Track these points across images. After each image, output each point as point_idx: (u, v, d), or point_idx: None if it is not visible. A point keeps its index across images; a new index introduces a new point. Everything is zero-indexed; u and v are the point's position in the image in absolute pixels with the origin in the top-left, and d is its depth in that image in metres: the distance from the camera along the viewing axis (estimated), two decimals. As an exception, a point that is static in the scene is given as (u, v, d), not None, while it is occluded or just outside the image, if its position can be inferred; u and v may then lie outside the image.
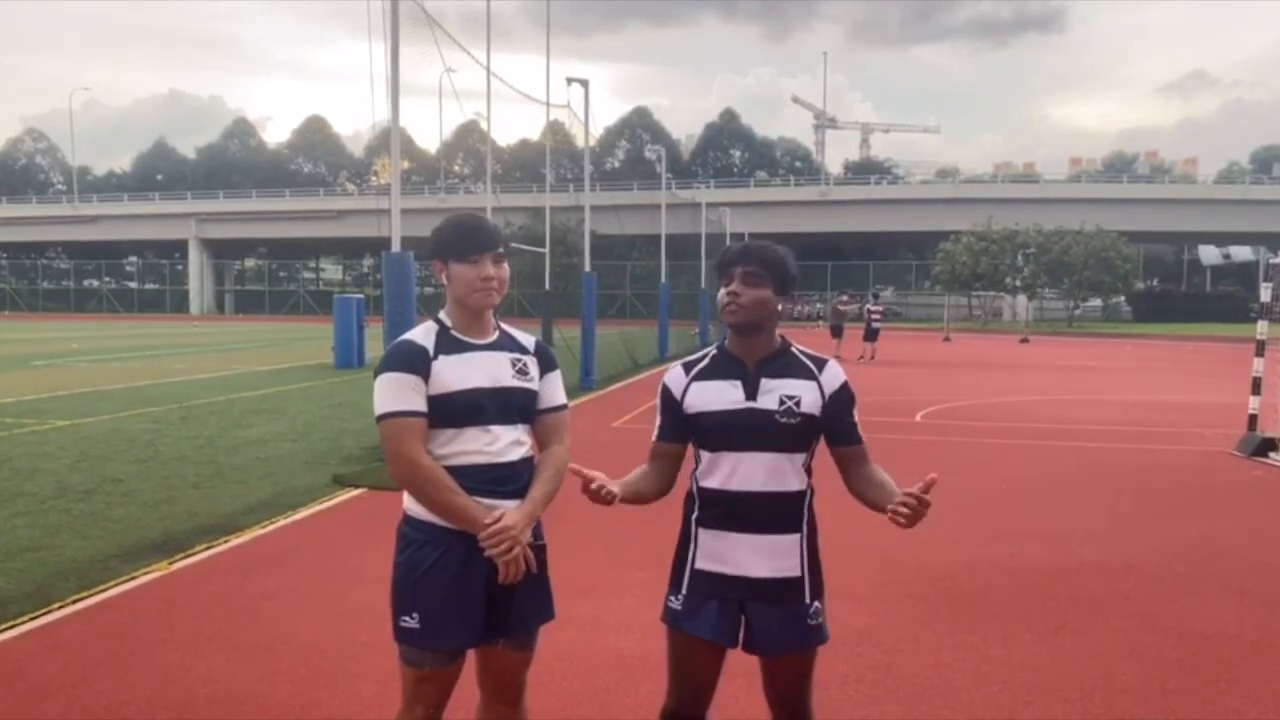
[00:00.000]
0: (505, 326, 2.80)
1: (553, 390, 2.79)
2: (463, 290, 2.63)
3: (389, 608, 2.66)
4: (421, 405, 2.57)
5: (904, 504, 2.43)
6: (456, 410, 2.59)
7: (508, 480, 2.63)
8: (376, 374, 2.63)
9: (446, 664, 2.63)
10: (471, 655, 2.72)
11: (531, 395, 2.72)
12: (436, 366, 2.59)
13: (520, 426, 2.70)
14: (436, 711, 2.67)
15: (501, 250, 2.65)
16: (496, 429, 2.63)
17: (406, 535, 2.65)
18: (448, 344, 2.64)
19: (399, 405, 2.56)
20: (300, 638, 4.60)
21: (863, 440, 2.70)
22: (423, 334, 2.66)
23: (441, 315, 2.71)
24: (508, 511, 2.56)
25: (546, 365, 2.79)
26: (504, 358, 2.70)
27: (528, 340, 2.82)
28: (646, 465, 2.75)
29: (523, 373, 2.71)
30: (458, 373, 2.60)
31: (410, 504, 2.66)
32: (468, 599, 2.57)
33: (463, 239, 2.63)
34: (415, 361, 2.59)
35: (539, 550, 2.69)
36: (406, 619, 2.60)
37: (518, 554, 2.54)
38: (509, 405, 2.66)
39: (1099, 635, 4.77)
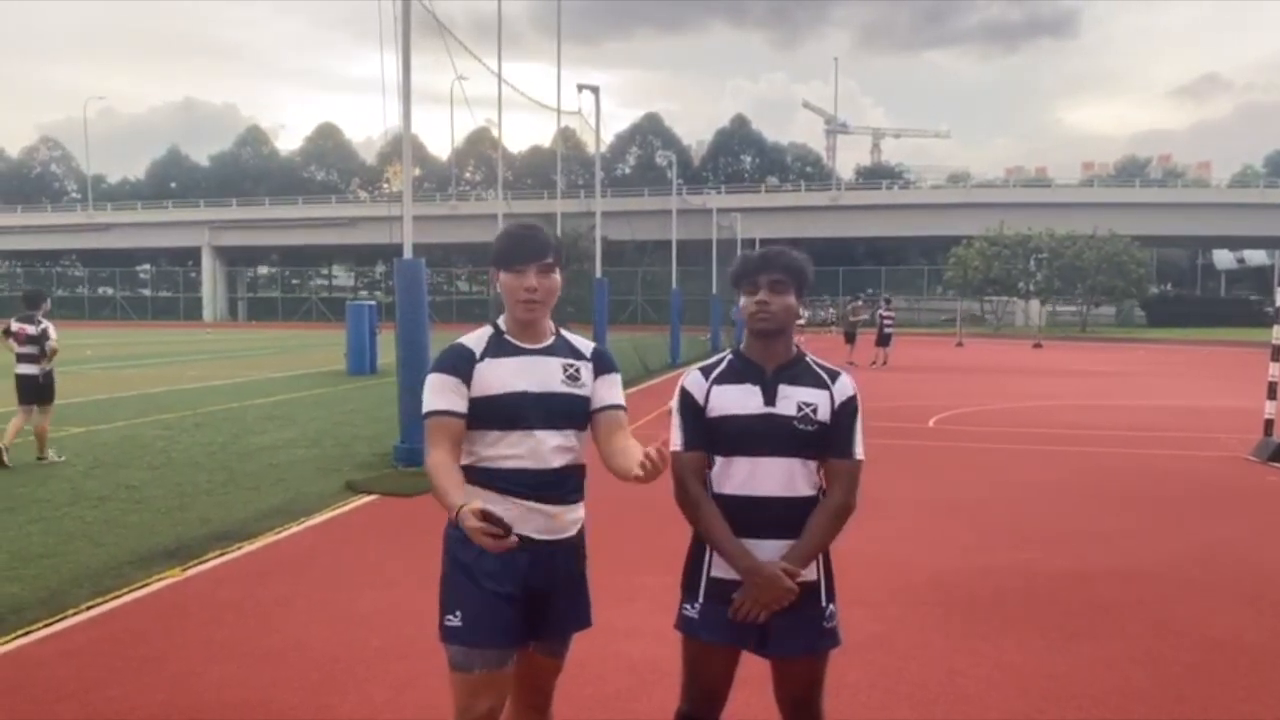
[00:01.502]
0: (565, 333, 2.81)
1: (609, 390, 2.77)
2: (509, 299, 2.68)
3: (436, 611, 2.67)
4: (458, 406, 2.61)
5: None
6: (499, 412, 2.61)
7: (552, 486, 2.64)
8: (427, 374, 2.69)
9: (495, 665, 2.59)
10: None
11: (581, 401, 2.72)
12: (480, 369, 2.63)
13: (568, 432, 2.68)
14: None
15: (550, 260, 2.66)
16: (541, 434, 2.63)
17: (449, 535, 2.67)
18: (497, 348, 2.68)
19: (435, 405, 2.62)
20: (313, 644, 4.61)
21: (853, 456, 2.62)
22: (475, 338, 2.72)
23: (500, 320, 2.76)
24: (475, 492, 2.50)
25: (603, 368, 2.79)
26: (555, 363, 2.71)
27: (585, 346, 2.82)
28: (699, 490, 2.63)
29: (574, 379, 2.71)
30: (501, 376, 2.63)
31: None
32: (505, 596, 2.59)
33: (510, 249, 2.66)
34: (458, 364, 2.64)
35: (573, 551, 2.70)
36: (450, 617, 2.62)
37: (480, 528, 2.26)
38: (555, 410, 2.66)
39: (1113, 641, 4.74)
